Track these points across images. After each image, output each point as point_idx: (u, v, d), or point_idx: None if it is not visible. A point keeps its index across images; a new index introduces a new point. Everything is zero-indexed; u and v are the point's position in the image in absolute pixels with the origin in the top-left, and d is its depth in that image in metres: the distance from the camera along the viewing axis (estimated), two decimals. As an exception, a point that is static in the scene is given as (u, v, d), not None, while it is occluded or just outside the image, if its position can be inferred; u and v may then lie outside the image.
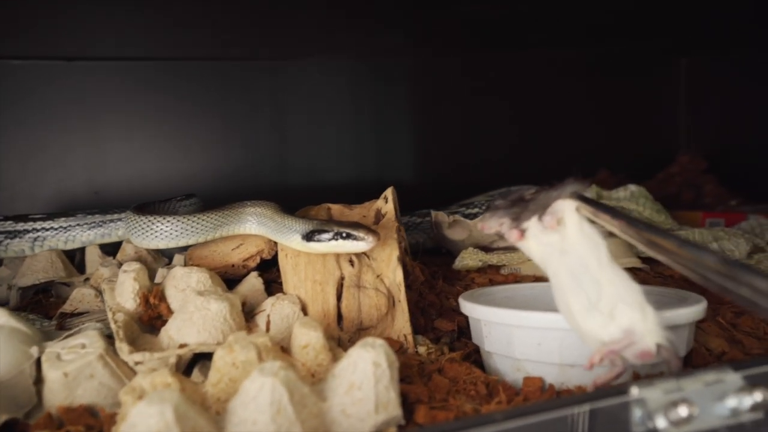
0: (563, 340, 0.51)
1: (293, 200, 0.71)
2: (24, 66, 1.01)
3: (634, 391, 0.39)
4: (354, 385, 0.44)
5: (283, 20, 1.07)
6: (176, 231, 0.67)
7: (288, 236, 0.61)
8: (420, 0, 1.06)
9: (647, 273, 0.80)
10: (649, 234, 0.44)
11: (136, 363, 0.50)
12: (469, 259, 0.81)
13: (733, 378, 0.40)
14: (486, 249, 0.86)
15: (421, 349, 0.59)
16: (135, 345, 0.54)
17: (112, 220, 0.81)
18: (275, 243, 0.67)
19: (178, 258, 0.75)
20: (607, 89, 1.39)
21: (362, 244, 0.57)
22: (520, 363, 0.54)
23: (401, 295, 0.61)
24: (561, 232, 0.47)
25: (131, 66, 1.08)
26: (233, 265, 0.68)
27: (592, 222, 0.48)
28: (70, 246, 0.82)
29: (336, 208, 0.70)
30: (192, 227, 0.67)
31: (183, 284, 0.59)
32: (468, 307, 0.57)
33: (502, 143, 1.32)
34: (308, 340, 0.51)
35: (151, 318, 0.57)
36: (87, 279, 0.75)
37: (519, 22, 1.16)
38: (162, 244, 0.68)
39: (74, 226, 0.80)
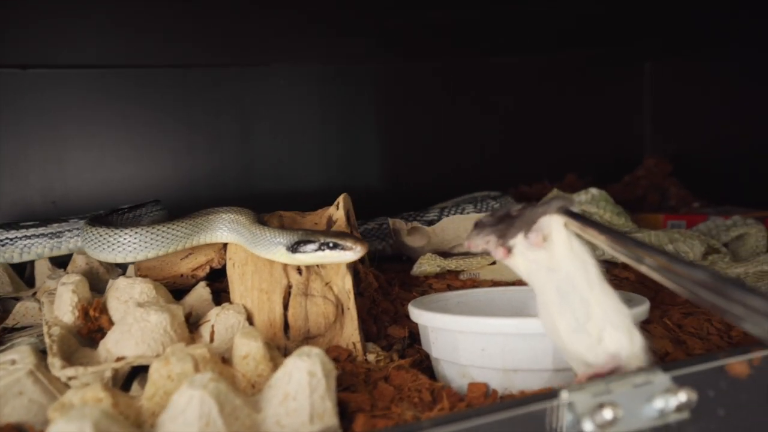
0: (506, 345, 0.51)
1: (259, 208, 0.70)
2: (-23, 74, 0.99)
3: (564, 395, 0.38)
4: (289, 396, 0.43)
5: (247, 25, 1.07)
6: (139, 243, 0.63)
7: (270, 248, 0.58)
8: (388, 5, 1.06)
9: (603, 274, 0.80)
10: (638, 249, 0.43)
11: (70, 378, 0.49)
12: (427, 264, 0.81)
13: (662, 379, 0.40)
14: (445, 255, 0.86)
15: (371, 357, 0.59)
16: (72, 360, 0.52)
17: (62, 232, 0.79)
18: (226, 252, 0.66)
19: (132, 269, 0.74)
20: (574, 95, 1.40)
21: (350, 254, 0.56)
22: (466, 369, 0.53)
23: (350, 303, 0.60)
24: (548, 248, 0.46)
25: (91, 74, 1.06)
26: (182, 275, 0.67)
27: (579, 237, 0.47)
28: (25, 258, 0.80)
29: (288, 216, 0.69)
30: (157, 238, 0.63)
31: (126, 296, 0.58)
32: (415, 313, 0.57)
33: (471, 149, 1.33)
34: (248, 350, 0.50)
35: (90, 331, 0.56)
36: (35, 293, 0.73)
37: (487, 27, 1.17)
38: (122, 258, 0.64)
39: (22, 238, 0.78)
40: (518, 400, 0.38)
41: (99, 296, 0.61)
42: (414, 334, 0.64)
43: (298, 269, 0.61)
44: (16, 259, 0.80)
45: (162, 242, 0.63)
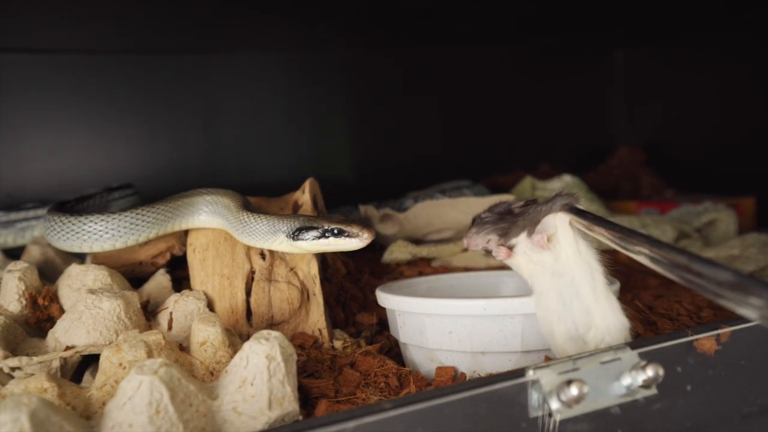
0: (474, 327, 0.50)
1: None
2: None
3: (530, 373, 0.37)
4: (246, 381, 0.41)
5: (211, 11, 1.04)
6: (106, 231, 0.57)
7: (266, 237, 0.54)
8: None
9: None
10: (652, 247, 0.39)
11: (13, 369, 0.46)
12: (398, 251, 0.79)
13: (629, 355, 0.39)
14: (418, 242, 0.84)
15: (338, 344, 0.57)
16: (18, 351, 0.49)
17: (18, 220, 0.76)
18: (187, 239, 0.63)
19: (89, 257, 0.71)
20: (548, 85, 1.40)
21: (356, 241, 0.51)
22: (434, 353, 0.52)
23: (316, 289, 0.58)
24: (553, 251, 0.44)
25: (47, 59, 1.02)
26: (141, 263, 0.64)
27: (586, 235, 0.45)
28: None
29: (254, 201, 0.67)
30: (127, 225, 0.57)
31: (78, 283, 0.55)
32: (382, 297, 0.55)
33: (443, 138, 1.32)
34: (206, 336, 0.48)
35: (39, 320, 0.53)
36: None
37: (455, 16, 1.16)
38: (88, 247, 0.58)
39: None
40: (484, 380, 0.37)
41: (51, 285, 0.58)
42: (384, 321, 0.62)
43: (262, 253, 0.58)
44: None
45: (133, 229, 0.57)
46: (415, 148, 1.27)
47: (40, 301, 0.53)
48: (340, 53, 1.19)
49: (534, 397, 0.37)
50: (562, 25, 1.24)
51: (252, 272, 0.58)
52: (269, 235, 0.54)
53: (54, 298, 0.54)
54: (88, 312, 0.50)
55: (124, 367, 0.45)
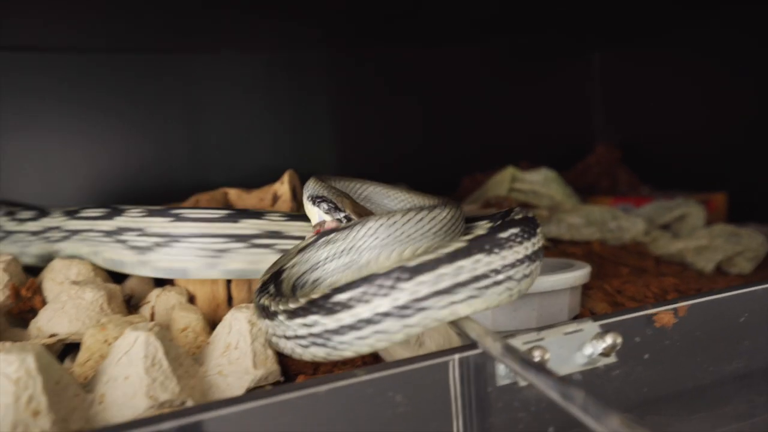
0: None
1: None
2: None
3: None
4: (230, 346, 0.44)
5: (194, 11, 1.05)
6: None
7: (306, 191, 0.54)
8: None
9: (552, 250, 0.82)
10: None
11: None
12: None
13: (591, 327, 0.41)
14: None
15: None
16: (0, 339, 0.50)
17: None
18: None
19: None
20: (528, 84, 1.43)
21: None
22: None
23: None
24: None
25: (26, 57, 1.02)
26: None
27: None
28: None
29: (233, 192, 0.68)
30: None
31: (62, 276, 0.56)
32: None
33: (423, 137, 1.34)
34: (187, 322, 0.49)
35: (21, 311, 0.53)
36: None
37: (436, 16, 1.18)
38: None
39: None
40: (453, 349, 0.39)
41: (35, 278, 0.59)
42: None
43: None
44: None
45: None
46: (396, 147, 1.29)
47: (23, 292, 0.54)
48: (321, 53, 1.21)
49: (501, 366, 0.39)
50: (540, 25, 1.27)
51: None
52: (305, 190, 0.55)
53: (37, 290, 0.55)
54: (71, 302, 0.51)
55: (110, 344, 0.46)
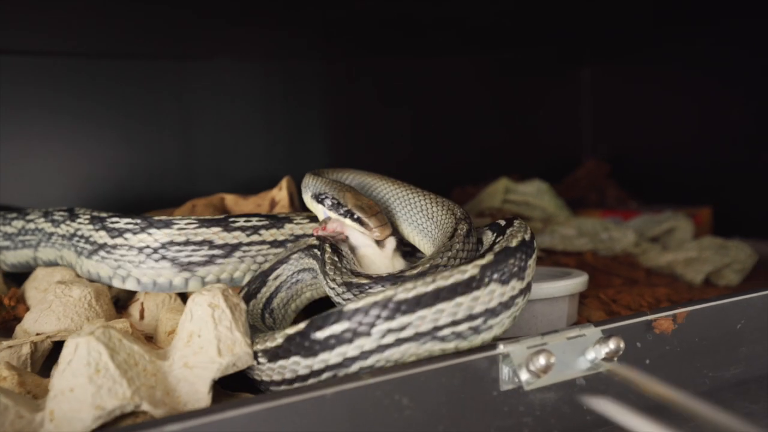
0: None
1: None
2: None
3: (501, 347, 0.39)
4: (193, 334, 0.40)
5: (188, 18, 1.05)
6: None
7: (305, 191, 0.55)
8: (330, 2, 1.06)
9: (545, 260, 0.83)
10: None
11: (-18, 355, 0.45)
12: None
13: (593, 332, 0.41)
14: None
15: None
16: (-15, 342, 0.49)
17: None
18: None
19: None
20: (518, 98, 1.45)
21: (367, 233, 0.48)
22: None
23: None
24: None
25: (17, 61, 1.00)
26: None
27: None
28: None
29: (230, 198, 0.68)
30: None
31: (45, 284, 0.55)
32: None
33: (415, 147, 1.34)
34: (174, 325, 0.48)
35: (5, 320, 0.52)
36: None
37: (430, 27, 1.20)
38: None
39: None
40: (458, 353, 0.38)
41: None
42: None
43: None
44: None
45: None
46: (388, 156, 1.29)
47: (6, 301, 0.52)
48: (315, 62, 1.21)
49: (505, 370, 0.39)
50: (532, 38, 1.29)
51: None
52: (305, 194, 0.55)
53: (21, 299, 0.54)
54: (57, 300, 0.49)
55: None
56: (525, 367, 0.38)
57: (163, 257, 0.51)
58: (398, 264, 0.49)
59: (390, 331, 0.36)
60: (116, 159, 1.08)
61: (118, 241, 0.51)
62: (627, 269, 0.82)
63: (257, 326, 0.47)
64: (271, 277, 0.51)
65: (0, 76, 0.98)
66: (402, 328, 0.36)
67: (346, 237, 0.49)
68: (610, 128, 1.49)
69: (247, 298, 0.50)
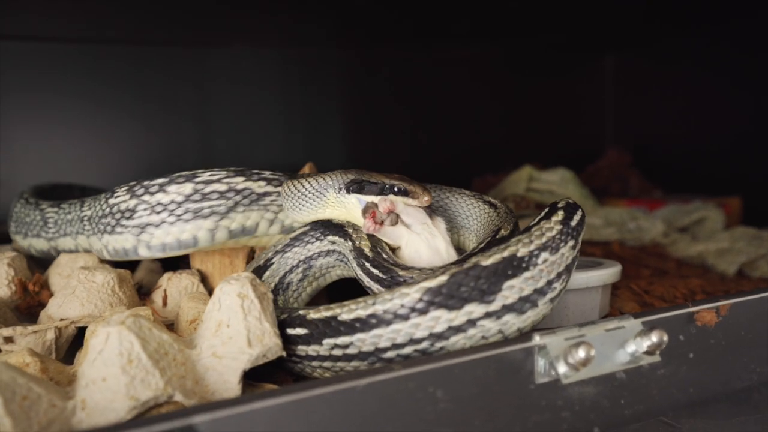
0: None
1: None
2: None
3: (536, 338, 0.37)
4: (222, 323, 0.39)
5: (208, 5, 1.03)
6: None
7: (316, 200, 0.51)
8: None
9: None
10: None
11: (6, 340, 0.45)
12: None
13: (633, 324, 0.39)
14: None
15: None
16: (9, 327, 0.48)
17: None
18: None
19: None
20: (540, 87, 1.42)
21: (416, 202, 0.46)
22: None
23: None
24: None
25: (39, 47, 1.00)
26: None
27: None
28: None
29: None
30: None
31: (68, 270, 0.54)
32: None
33: (436, 137, 1.32)
34: (196, 314, 0.47)
35: (30, 306, 0.52)
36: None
37: (449, 15, 1.17)
38: None
39: None
40: (492, 344, 0.37)
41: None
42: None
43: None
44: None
45: None
46: (408, 146, 1.27)
47: (31, 287, 0.52)
48: (334, 50, 1.19)
49: (540, 362, 0.37)
50: (555, 27, 1.26)
51: (252, 250, 0.57)
52: (317, 198, 0.50)
53: (45, 285, 0.54)
54: (81, 286, 0.49)
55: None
56: (563, 360, 0.36)
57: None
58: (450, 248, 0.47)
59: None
60: (136, 145, 1.08)
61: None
62: (656, 260, 0.79)
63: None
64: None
65: (17, 62, 0.98)
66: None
67: (397, 217, 0.46)
68: (633, 116, 1.46)
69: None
